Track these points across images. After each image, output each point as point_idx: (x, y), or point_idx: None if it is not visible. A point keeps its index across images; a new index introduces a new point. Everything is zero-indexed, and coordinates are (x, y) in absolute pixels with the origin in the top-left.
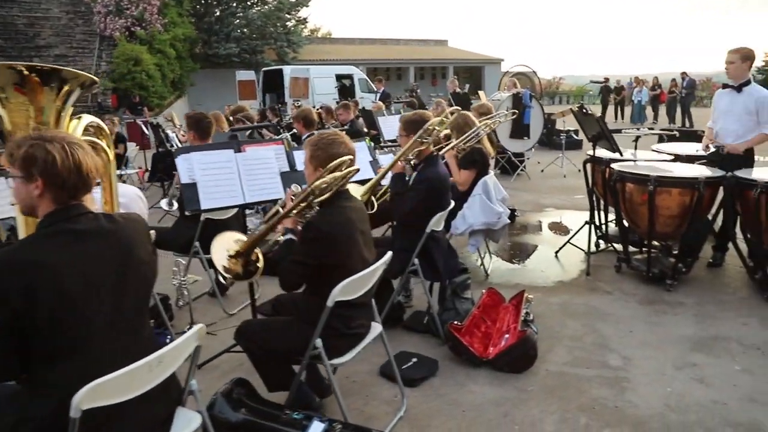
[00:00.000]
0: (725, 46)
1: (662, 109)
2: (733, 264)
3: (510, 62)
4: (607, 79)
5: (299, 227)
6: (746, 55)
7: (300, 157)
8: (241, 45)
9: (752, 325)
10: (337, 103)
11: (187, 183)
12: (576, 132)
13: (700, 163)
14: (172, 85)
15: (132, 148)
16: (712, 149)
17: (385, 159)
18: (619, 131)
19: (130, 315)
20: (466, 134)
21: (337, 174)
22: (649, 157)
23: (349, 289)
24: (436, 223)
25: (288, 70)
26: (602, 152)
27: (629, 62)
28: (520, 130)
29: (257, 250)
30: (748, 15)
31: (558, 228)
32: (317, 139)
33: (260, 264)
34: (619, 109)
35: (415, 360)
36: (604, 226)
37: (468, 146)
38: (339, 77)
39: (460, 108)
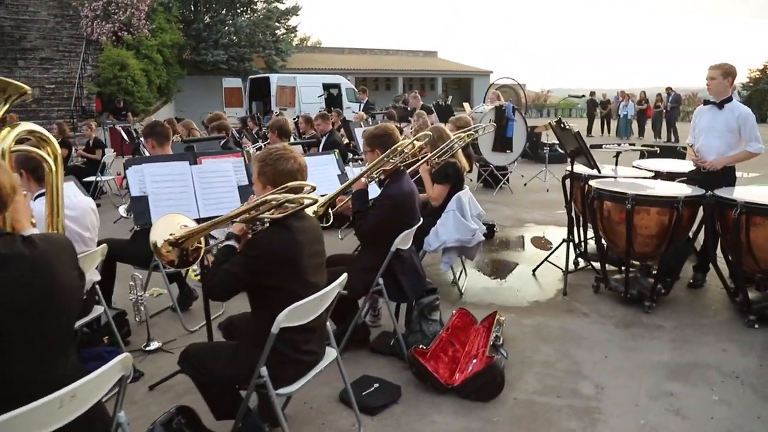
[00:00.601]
0: (714, 55)
1: (649, 124)
2: (714, 285)
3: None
4: (593, 93)
5: (249, 236)
6: (728, 71)
7: None
8: (229, 52)
9: (732, 352)
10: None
11: (138, 196)
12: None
13: (680, 181)
14: (158, 91)
15: (109, 153)
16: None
17: (358, 171)
18: (600, 146)
19: (48, 346)
20: (439, 148)
21: (291, 196)
22: (629, 173)
23: (295, 315)
24: (402, 241)
25: (275, 79)
26: (582, 168)
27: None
28: (502, 143)
29: (201, 245)
30: (737, 19)
31: (538, 244)
32: (265, 155)
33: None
34: (605, 123)
35: (377, 386)
36: (583, 244)
37: (442, 160)
38: (326, 86)
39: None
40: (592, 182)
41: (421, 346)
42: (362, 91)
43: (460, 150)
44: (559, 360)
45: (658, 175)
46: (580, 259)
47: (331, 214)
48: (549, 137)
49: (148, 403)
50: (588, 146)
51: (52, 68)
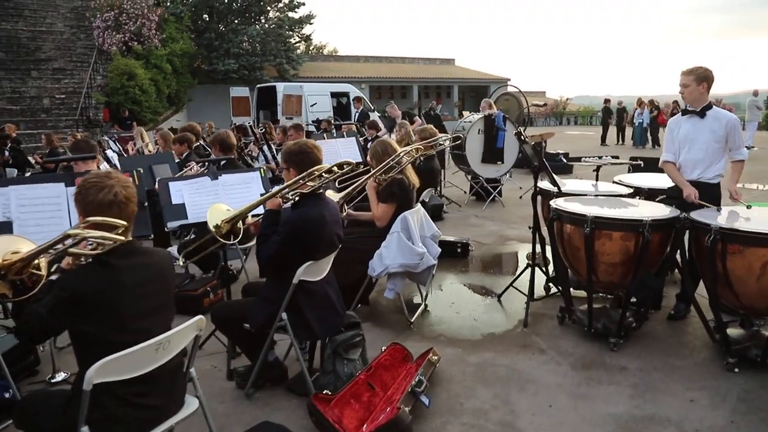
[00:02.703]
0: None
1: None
2: (699, 318)
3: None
4: (607, 101)
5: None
6: (701, 76)
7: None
8: (240, 61)
9: (700, 403)
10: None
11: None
12: (566, 155)
13: (660, 199)
14: (168, 100)
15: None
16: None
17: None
18: (578, 159)
19: None
20: (384, 163)
21: (91, 233)
22: (606, 189)
23: (114, 368)
24: (307, 273)
25: (281, 87)
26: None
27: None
28: (492, 154)
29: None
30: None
31: (513, 265)
32: (82, 181)
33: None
34: (619, 131)
35: None
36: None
37: (389, 176)
38: (334, 95)
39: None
40: (553, 201)
41: (325, 392)
42: (357, 100)
43: (409, 165)
44: (495, 408)
45: (637, 191)
46: (551, 285)
47: (240, 231)
48: (545, 146)
49: None
50: (546, 161)
51: (64, 78)
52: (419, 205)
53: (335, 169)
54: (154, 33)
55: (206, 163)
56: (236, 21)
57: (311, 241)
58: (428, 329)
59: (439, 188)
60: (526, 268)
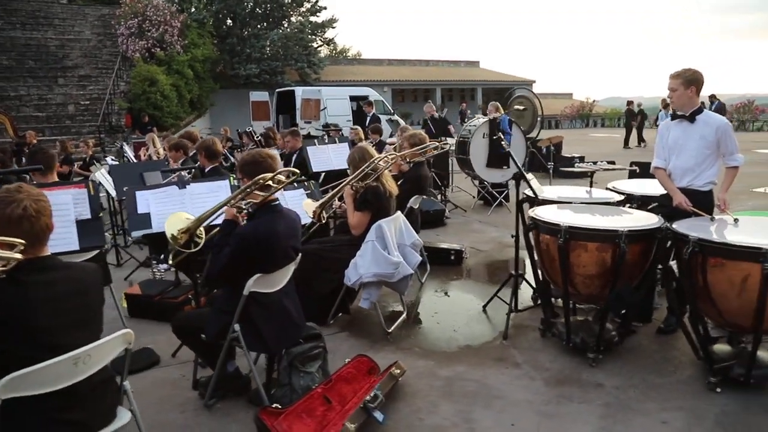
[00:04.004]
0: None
1: None
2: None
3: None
4: (630, 102)
5: None
6: (690, 79)
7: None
8: (261, 66)
9: (673, 425)
10: (355, 125)
11: None
12: (582, 158)
13: (652, 207)
14: (190, 105)
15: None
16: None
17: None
18: (572, 164)
19: None
20: (360, 170)
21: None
22: (600, 196)
23: (29, 382)
24: (259, 284)
25: (299, 91)
26: (548, 191)
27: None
28: (497, 158)
29: None
30: None
31: (507, 274)
32: None
33: None
34: (637, 133)
35: None
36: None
37: (365, 183)
38: (354, 98)
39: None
40: (531, 210)
41: (275, 405)
42: (368, 104)
43: (387, 172)
44: (454, 426)
45: (629, 198)
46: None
47: (202, 240)
48: (565, 150)
49: None
50: (521, 166)
51: (89, 85)
52: (398, 213)
53: (282, 178)
54: (176, 39)
55: (191, 171)
56: (258, 26)
57: (261, 255)
58: (405, 340)
59: (443, 193)
60: (509, 278)
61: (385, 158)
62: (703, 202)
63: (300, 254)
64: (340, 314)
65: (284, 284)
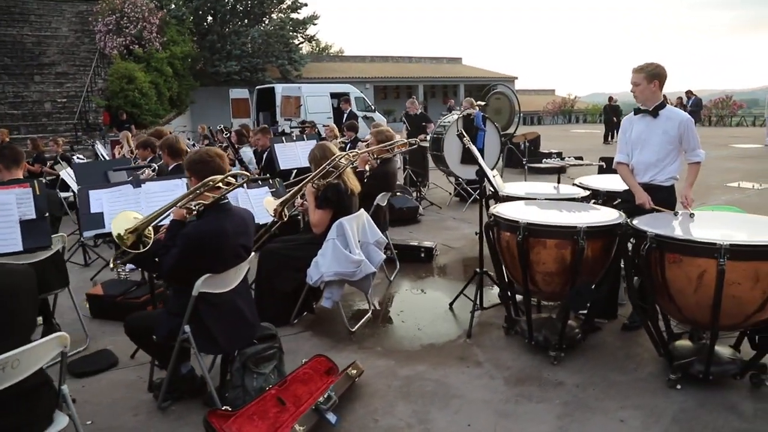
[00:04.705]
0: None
1: None
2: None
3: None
4: (611, 98)
5: None
6: (653, 73)
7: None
8: (242, 63)
9: (630, 424)
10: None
11: None
12: (559, 154)
13: (617, 203)
14: (170, 103)
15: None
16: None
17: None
18: (539, 160)
19: None
20: (321, 167)
21: None
22: (569, 192)
23: None
24: (208, 284)
25: (279, 88)
26: (513, 187)
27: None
28: (471, 155)
29: None
30: None
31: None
32: None
33: None
34: (609, 128)
35: None
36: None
37: (326, 181)
38: (334, 95)
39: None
40: (492, 207)
41: (225, 408)
42: (345, 101)
43: (349, 170)
44: (409, 426)
45: (595, 194)
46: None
47: (151, 239)
48: (543, 146)
49: None
50: (481, 164)
51: (66, 82)
52: (362, 210)
53: (232, 180)
54: (155, 36)
55: (155, 169)
56: (239, 23)
57: (209, 255)
58: (368, 339)
59: (419, 190)
60: (474, 275)
61: (347, 155)
62: (665, 197)
63: (252, 253)
64: (305, 313)
65: (237, 284)
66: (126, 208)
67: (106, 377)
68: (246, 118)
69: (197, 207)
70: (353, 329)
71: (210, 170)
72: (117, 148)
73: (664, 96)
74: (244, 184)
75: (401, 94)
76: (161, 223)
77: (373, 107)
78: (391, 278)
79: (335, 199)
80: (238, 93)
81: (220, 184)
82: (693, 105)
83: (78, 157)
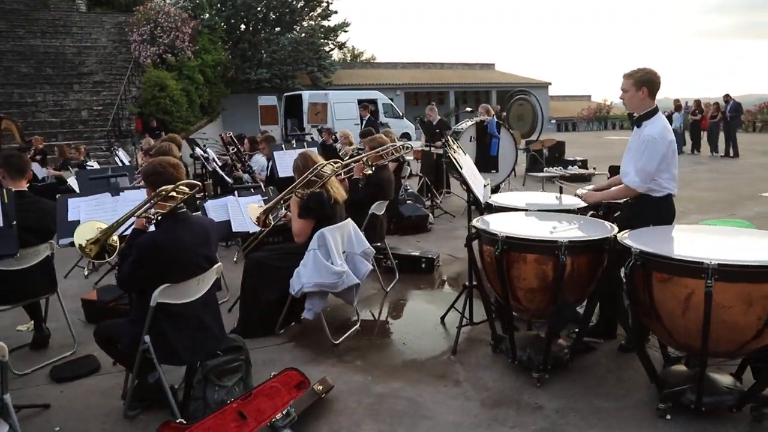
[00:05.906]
0: None
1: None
2: (656, 348)
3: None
4: None
5: None
6: (642, 80)
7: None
8: (272, 70)
9: None
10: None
11: None
12: (584, 162)
13: (616, 216)
14: (201, 110)
15: None
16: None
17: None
18: (541, 169)
19: None
20: (304, 176)
21: None
22: (571, 203)
23: None
24: (171, 295)
25: (306, 95)
26: (508, 198)
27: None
28: (485, 162)
29: None
30: None
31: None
32: None
33: None
34: None
35: None
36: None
37: (309, 191)
38: (362, 102)
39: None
40: (476, 219)
41: (179, 421)
42: (363, 107)
43: (333, 179)
44: None
45: (596, 205)
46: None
47: (116, 248)
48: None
49: None
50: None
51: (103, 91)
52: (348, 220)
53: (185, 189)
54: (186, 45)
55: None
56: (270, 31)
57: (164, 264)
58: (350, 353)
59: (432, 198)
60: (464, 289)
61: (330, 164)
62: (656, 210)
63: (216, 264)
64: (293, 323)
65: (201, 295)
66: (104, 216)
67: (85, 383)
68: (274, 125)
69: (156, 216)
70: (337, 342)
71: (163, 180)
72: (139, 154)
73: (671, 103)
74: (235, 192)
75: (432, 101)
76: (126, 233)
77: (401, 114)
78: (387, 289)
79: (317, 208)
80: (267, 100)
81: (174, 194)
82: (732, 110)
83: (88, 165)
